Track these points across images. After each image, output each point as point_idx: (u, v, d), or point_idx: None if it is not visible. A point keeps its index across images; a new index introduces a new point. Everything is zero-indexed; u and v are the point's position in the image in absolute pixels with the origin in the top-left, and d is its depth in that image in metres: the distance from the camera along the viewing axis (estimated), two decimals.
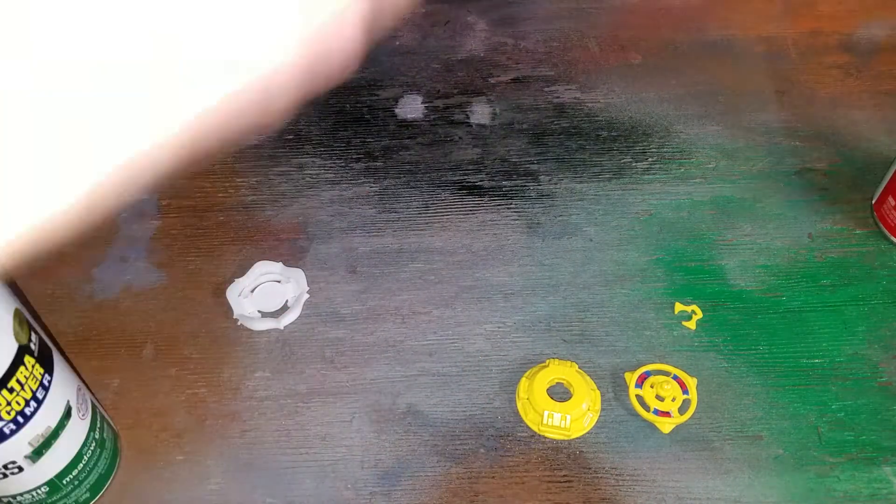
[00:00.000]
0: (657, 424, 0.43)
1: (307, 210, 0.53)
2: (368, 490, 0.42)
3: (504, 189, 0.54)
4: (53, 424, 0.37)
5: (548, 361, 0.45)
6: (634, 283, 0.49)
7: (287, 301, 0.49)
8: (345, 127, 0.58)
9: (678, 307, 0.47)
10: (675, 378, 0.44)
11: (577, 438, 0.43)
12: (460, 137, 0.57)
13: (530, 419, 0.43)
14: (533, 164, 0.55)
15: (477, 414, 0.44)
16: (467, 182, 0.54)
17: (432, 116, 0.58)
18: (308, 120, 0.58)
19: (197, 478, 0.43)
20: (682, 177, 0.54)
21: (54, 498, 0.39)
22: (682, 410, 0.43)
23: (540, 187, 0.54)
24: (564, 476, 0.42)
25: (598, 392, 0.44)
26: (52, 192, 0.17)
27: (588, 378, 0.44)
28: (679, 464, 0.42)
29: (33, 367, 0.36)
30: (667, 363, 0.45)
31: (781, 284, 0.48)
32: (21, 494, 0.38)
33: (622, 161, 0.55)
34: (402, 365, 0.46)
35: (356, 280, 0.50)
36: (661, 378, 0.44)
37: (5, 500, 0.38)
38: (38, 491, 0.38)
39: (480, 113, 0.58)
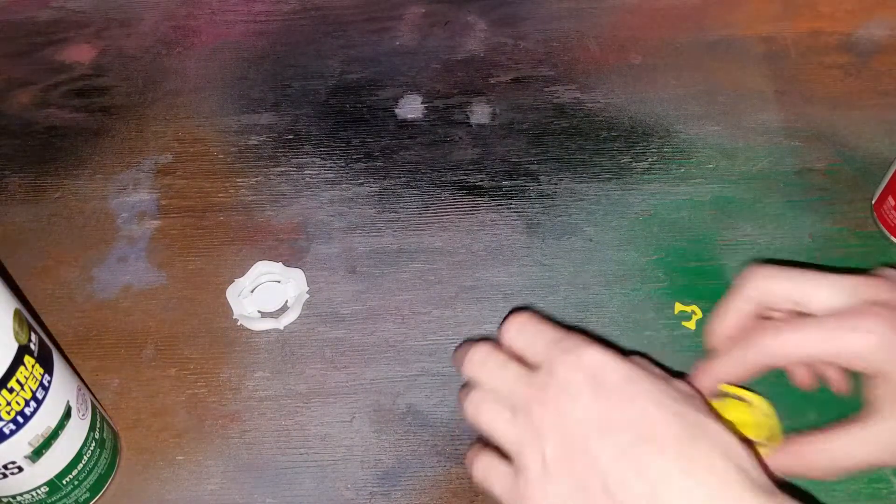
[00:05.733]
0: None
1: (307, 210, 0.53)
2: (368, 490, 0.42)
3: (504, 189, 0.54)
4: (53, 424, 0.37)
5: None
6: (634, 283, 0.49)
7: (287, 301, 0.49)
8: (345, 127, 0.58)
9: (678, 307, 0.47)
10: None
11: None
12: (460, 137, 0.57)
13: None
14: (533, 164, 0.55)
15: None
16: (467, 182, 0.54)
17: (432, 116, 0.58)
18: (308, 120, 0.58)
19: (197, 478, 0.43)
20: (682, 177, 0.54)
21: (54, 498, 0.39)
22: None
23: (540, 187, 0.54)
24: None
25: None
26: None
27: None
28: None
29: (33, 367, 0.36)
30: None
31: None
32: (21, 494, 0.38)
33: (622, 161, 0.55)
34: (402, 365, 0.46)
35: (356, 280, 0.50)
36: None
37: (5, 500, 0.38)
38: (38, 491, 0.38)
39: (480, 113, 0.58)
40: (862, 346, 0.34)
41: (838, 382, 0.41)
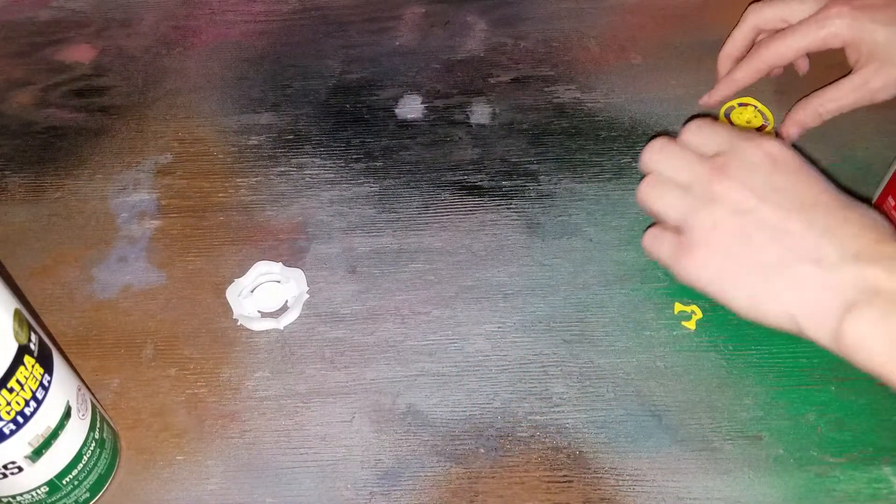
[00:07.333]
0: None
1: (307, 210, 0.53)
2: (368, 490, 0.42)
3: (504, 189, 0.54)
4: (53, 424, 0.37)
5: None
6: (634, 283, 0.49)
7: (287, 301, 0.49)
8: (345, 127, 0.58)
9: (678, 307, 0.47)
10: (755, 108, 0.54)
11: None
12: (460, 137, 0.57)
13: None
14: (533, 164, 0.55)
15: (477, 414, 0.44)
16: (467, 182, 0.54)
17: (432, 116, 0.58)
18: (308, 120, 0.58)
19: (197, 478, 0.43)
20: None
21: (54, 498, 0.39)
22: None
23: (540, 187, 0.54)
24: (564, 476, 0.42)
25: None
26: None
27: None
28: (679, 464, 0.42)
29: (33, 367, 0.36)
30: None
31: None
32: (21, 494, 0.38)
33: (622, 161, 0.55)
34: (402, 365, 0.46)
35: (356, 280, 0.50)
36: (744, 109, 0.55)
37: (5, 500, 0.38)
38: (38, 491, 0.38)
39: (480, 113, 0.58)
40: (836, 27, 0.50)
41: (804, 67, 0.58)
